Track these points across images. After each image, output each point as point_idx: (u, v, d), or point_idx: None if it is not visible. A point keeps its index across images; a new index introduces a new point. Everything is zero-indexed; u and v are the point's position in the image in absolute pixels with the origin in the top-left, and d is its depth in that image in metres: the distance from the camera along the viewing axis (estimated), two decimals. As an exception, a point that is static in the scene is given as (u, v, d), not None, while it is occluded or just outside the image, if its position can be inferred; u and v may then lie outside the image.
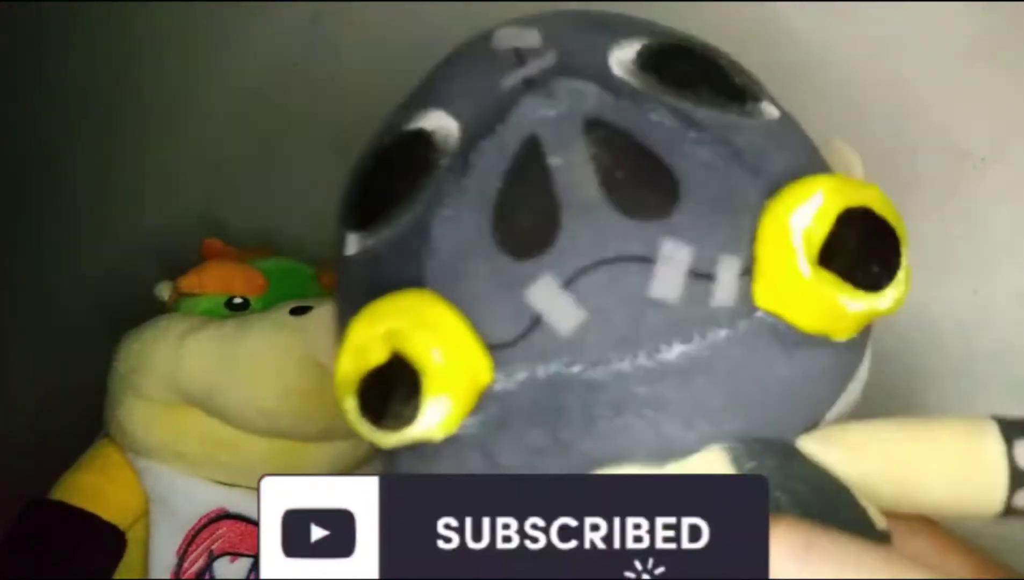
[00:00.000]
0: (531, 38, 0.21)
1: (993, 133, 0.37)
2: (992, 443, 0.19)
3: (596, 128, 0.19)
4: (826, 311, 0.18)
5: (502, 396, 0.19)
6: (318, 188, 0.61)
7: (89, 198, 0.72)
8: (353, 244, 0.23)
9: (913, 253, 0.19)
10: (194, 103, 0.66)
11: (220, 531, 0.41)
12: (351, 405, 0.20)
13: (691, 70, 0.21)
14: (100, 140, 0.72)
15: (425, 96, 0.23)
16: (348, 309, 0.22)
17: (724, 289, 0.18)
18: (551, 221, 0.18)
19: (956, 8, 0.36)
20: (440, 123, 0.21)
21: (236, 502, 0.41)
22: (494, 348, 0.19)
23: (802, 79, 0.40)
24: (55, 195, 0.75)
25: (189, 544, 0.40)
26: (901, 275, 0.19)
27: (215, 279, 0.43)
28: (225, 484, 0.41)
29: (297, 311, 0.39)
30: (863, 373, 0.22)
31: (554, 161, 0.18)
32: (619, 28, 0.22)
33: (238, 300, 0.43)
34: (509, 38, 0.22)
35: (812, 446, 0.20)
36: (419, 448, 0.19)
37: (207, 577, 0.40)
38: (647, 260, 0.18)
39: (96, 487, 0.40)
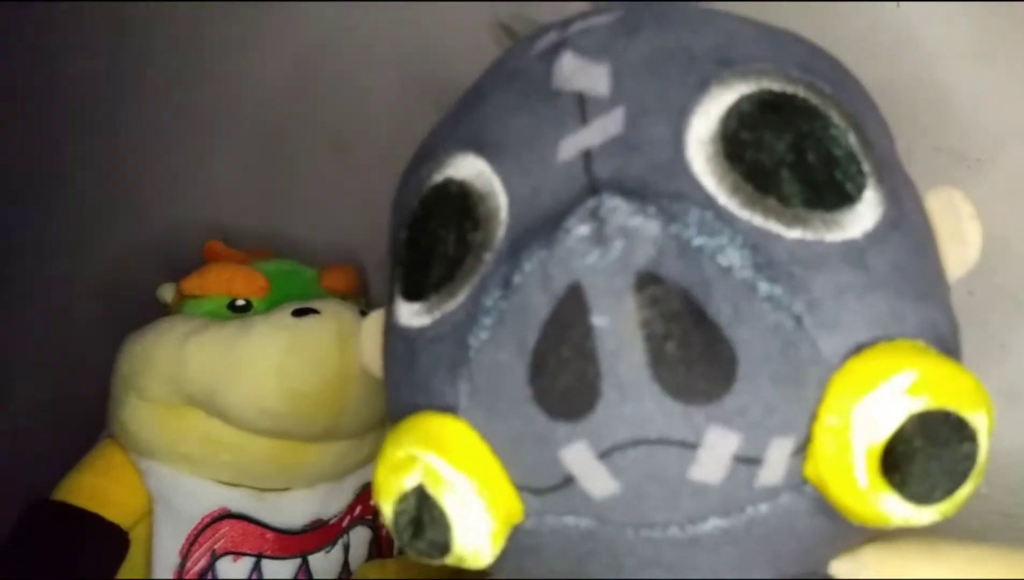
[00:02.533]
0: (599, 80, 0.19)
1: (988, 135, 0.37)
2: None
3: (649, 284, 0.16)
4: (873, 513, 0.17)
5: (532, 533, 0.19)
6: (319, 190, 0.61)
7: (91, 200, 0.73)
8: (399, 312, 0.22)
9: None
10: (196, 106, 0.66)
11: (222, 531, 0.41)
12: (387, 513, 0.19)
13: (785, 148, 0.18)
14: (103, 142, 0.72)
15: (468, 128, 0.21)
16: (390, 383, 0.22)
17: (771, 470, 0.17)
18: (590, 388, 0.16)
19: (952, 8, 0.37)
20: (483, 177, 0.20)
21: (238, 502, 0.42)
22: (524, 490, 0.18)
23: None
24: (58, 197, 0.75)
25: (192, 544, 0.40)
26: (965, 490, 0.16)
27: (217, 281, 0.43)
28: (227, 484, 0.42)
29: (299, 313, 0.40)
30: None
31: (598, 321, 0.16)
32: (704, 66, 0.19)
33: (240, 302, 0.43)
34: (574, 75, 0.19)
35: (844, 571, 0.19)
36: None
37: (209, 576, 0.41)
38: (690, 446, 0.17)
39: (99, 488, 0.40)
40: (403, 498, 0.18)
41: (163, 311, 0.45)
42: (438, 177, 0.21)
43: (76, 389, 0.50)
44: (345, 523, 0.45)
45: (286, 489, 0.43)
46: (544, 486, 0.18)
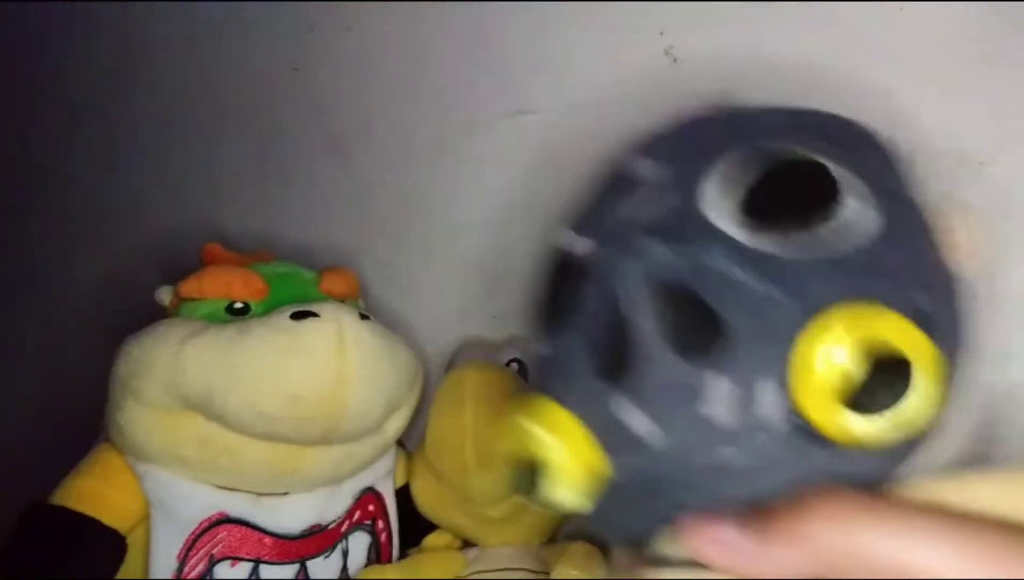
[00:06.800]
0: (646, 167, 0.26)
1: (992, 136, 0.36)
2: None
3: (656, 281, 0.24)
4: (845, 434, 0.22)
5: (614, 480, 0.25)
6: (317, 192, 0.61)
7: (89, 203, 0.73)
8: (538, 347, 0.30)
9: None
10: (194, 108, 0.66)
11: (220, 535, 0.41)
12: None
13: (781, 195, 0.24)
14: (100, 145, 0.72)
15: (575, 217, 0.29)
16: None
17: (762, 406, 0.22)
18: (625, 357, 0.24)
19: (953, 9, 0.37)
20: (577, 246, 0.27)
21: (236, 506, 0.42)
22: (603, 446, 0.25)
23: (798, 83, 0.40)
24: (55, 200, 0.75)
25: (189, 548, 0.40)
26: (910, 401, 0.22)
27: (215, 284, 0.43)
28: (225, 488, 0.41)
29: (297, 315, 0.40)
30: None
31: (626, 310, 0.24)
32: (724, 144, 0.25)
33: (238, 304, 0.43)
34: (632, 164, 0.27)
35: None
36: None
37: (207, 581, 0.40)
38: (694, 388, 0.23)
39: (96, 492, 0.40)
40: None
41: (161, 314, 0.45)
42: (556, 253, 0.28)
43: (73, 392, 0.50)
44: (344, 528, 0.45)
45: (284, 494, 0.43)
46: (612, 439, 0.24)
